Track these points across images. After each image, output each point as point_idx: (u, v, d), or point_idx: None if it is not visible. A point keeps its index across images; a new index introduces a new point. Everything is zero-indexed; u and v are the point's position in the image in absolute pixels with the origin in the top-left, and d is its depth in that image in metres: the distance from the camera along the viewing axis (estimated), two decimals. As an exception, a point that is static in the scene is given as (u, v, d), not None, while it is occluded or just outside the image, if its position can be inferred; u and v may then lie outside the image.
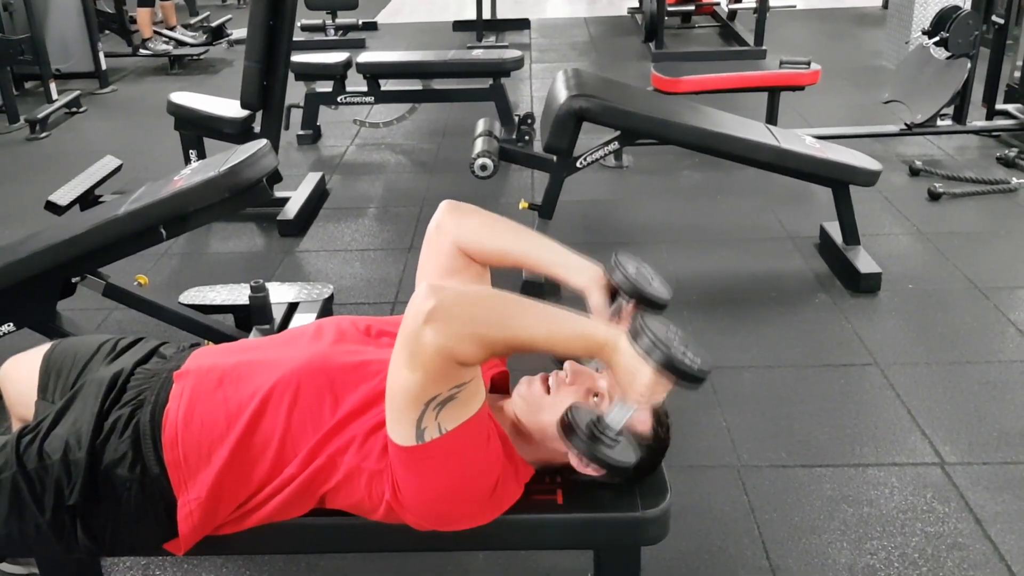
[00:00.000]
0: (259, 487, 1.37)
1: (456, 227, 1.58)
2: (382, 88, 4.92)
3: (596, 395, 1.42)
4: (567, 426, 1.29)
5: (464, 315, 1.20)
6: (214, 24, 7.39)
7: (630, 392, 1.25)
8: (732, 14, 7.38)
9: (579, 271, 1.49)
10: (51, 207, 3.29)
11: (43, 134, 5.23)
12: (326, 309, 2.88)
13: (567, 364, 1.45)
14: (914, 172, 4.17)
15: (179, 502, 1.36)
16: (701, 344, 1.26)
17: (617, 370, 1.24)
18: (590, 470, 1.41)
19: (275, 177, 2.49)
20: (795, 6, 7.64)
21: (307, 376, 1.40)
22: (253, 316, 2.64)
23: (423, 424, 1.24)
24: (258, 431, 1.36)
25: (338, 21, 7.57)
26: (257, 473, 1.36)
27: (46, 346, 1.70)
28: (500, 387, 1.57)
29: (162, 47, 6.90)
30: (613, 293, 1.47)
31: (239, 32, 6.51)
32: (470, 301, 1.24)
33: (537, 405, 1.42)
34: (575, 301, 1.43)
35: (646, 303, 1.43)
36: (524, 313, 1.24)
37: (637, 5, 7.75)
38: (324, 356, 1.44)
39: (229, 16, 7.73)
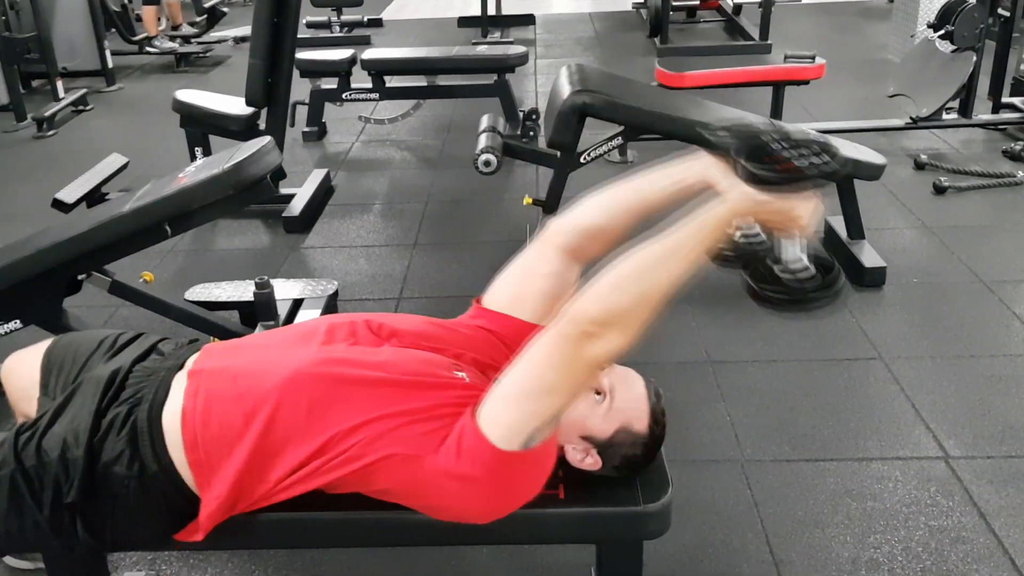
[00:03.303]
0: (277, 482, 1.37)
1: (564, 220, 1.59)
2: (387, 84, 4.91)
3: (598, 392, 1.43)
4: (758, 296, 1.29)
5: (617, 314, 1.21)
6: (207, 4, 7.35)
7: (790, 227, 1.23)
8: (737, 8, 7.36)
9: (686, 169, 1.45)
10: (58, 205, 3.30)
11: (50, 132, 5.25)
12: (331, 305, 2.89)
13: None
14: (919, 166, 4.16)
15: (202, 500, 1.37)
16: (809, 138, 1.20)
17: (765, 223, 1.24)
18: (586, 465, 1.42)
19: (279, 174, 2.49)
20: (800, 0, 7.61)
21: (323, 373, 1.39)
22: (258, 312, 2.65)
23: (538, 434, 1.29)
24: (276, 426, 1.35)
25: (343, 18, 7.57)
26: (276, 470, 1.36)
27: (47, 342, 1.70)
28: None
29: (168, 45, 6.91)
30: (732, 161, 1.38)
31: (244, 29, 6.52)
32: (612, 295, 1.23)
33: None
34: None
35: (749, 144, 1.32)
36: (655, 266, 1.23)
37: (642, 0, 7.74)
38: (339, 354, 1.44)
39: None
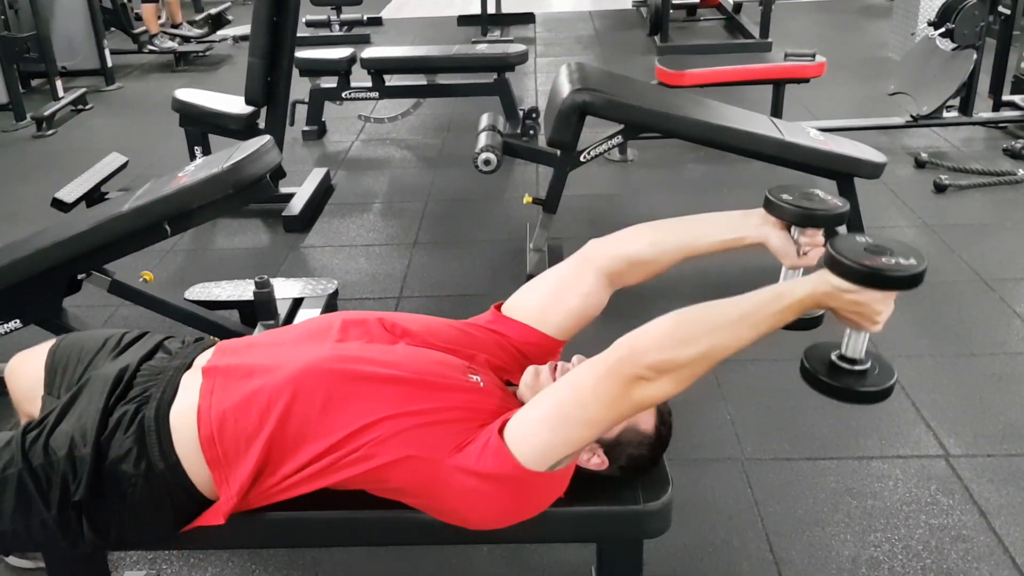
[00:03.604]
0: (293, 472, 1.37)
1: (608, 243, 1.59)
2: (387, 83, 4.91)
3: None
4: (815, 381, 1.31)
5: (677, 365, 1.22)
6: (213, 12, 7.37)
7: (863, 323, 1.23)
8: (737, 7, 7.35)
9: (742, 224, 1.47)
10: (57, 204, 3.30)
11: (49, 131, 5.25)
12: (331, 305, 2.89)
13: (576, 358, 1.45)
14: (920, 164, 4.16)
15: (221, 497, 1.38)
16: (895, 244, 1.22)
17: (840, 313, 1.24)
18: (592, 465, 1.42)
19: (279, 173, 2.49)
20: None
21: (338, 370, 1.39)
22: (258, 312, 2.65)
23: (566, 460, 1.31)
24: (290, 423, 1.36)
25: (343, 17, 7.56)
26: (289, 464, 1.36)
27: (52, 341, 1.70)
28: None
29: (167, 44, 6.91)
30: (788, 227, 1.44)
31: (243, 28, 6.52)
32: (675, 347, 1.22)
33: None
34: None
35: (822, 222, 1.38)
36: (725, 327, 1.23)
37: (642, -2, 7.74)
38: (355, 351, 1.44)
39: (227, 3, 7.72)
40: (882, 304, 1.21)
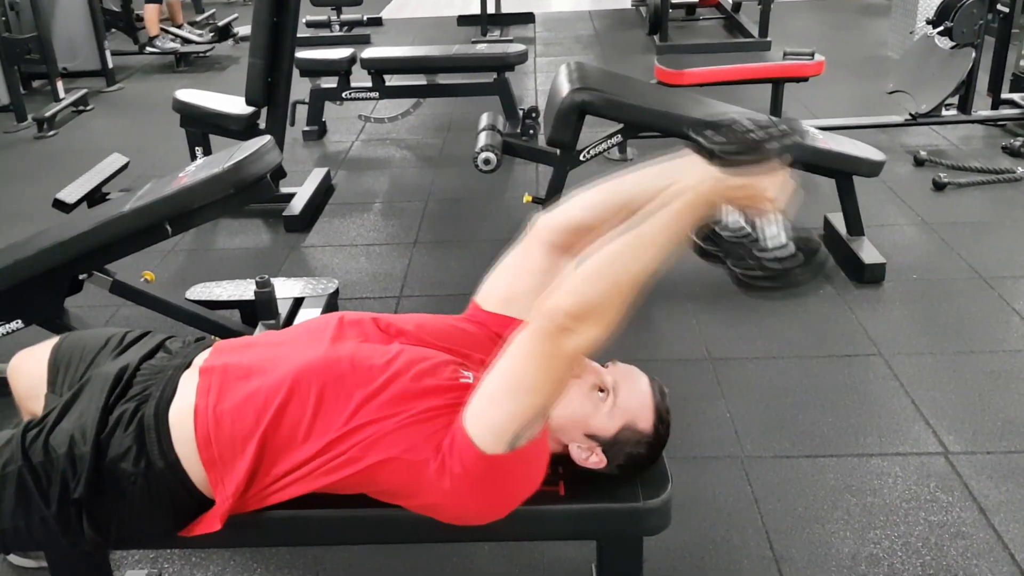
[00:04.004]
0: (285, 473, 1.37)
1: (552, 216, 1.59)
2: (387, 83, 4.92)
3: (602, 390, 1.43)
4: (744, 284, 1.28)
5: (590, 306, 1.21)
6: (220, 23, 7.41)
7: (760, 205, 1.21)
8: (736, 6, 7.36)
9: (674, 170, 1.39)
10: (59, 205, 3.30)
11: (50, 132, 5.26)
12: (331, 304, 2.90)
13: None
14: (919, 162, 4.16)
15: (217, 498, 1.38)
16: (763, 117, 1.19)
17: (734, 204, 1.22)
18: (591, 463, 1.43)
19: (279, 173, 2.50)
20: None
21: (332, 371, 1.40)
22: (259, 311, 2.66)
23: (524, 433, 1.28)
24: (283, 424, 1.36)
25: (343, 17, 7.57)
26: (283, 463, 1.37)
27: (54, 340, 1.71)
28: None
29: (169, 45, 6.92)
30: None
31: (244, 29, 6.53)
32: (584, 288, 1.22)
33: None
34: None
35: (712, 126, 1.29)
36: (624, 256, 1.22)
37: (641, -2, 7.75)
38: (350, 352, 1.44)
39: (235, 15, 7.75)
40: (766, 179, 1.19)
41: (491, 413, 1.29)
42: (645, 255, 1.22)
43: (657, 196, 1.36)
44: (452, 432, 1.32)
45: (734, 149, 1.16)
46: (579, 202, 1.57)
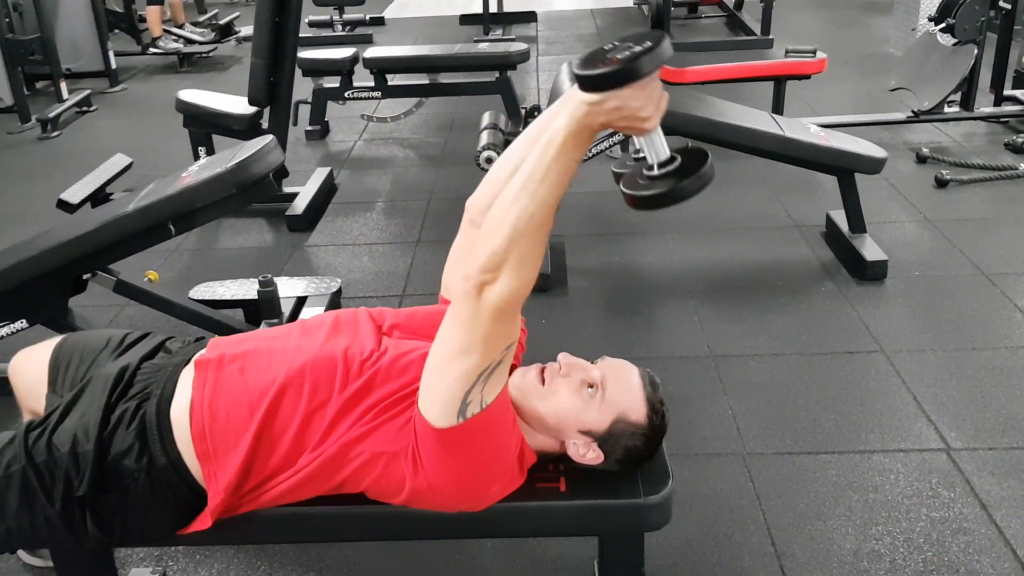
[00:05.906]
0: (276, 471, 1.39)
1: (475, 194, 1.61)
2: (389, 83, 4.92)
3: (591, 386, 1.43)
4: (632, 200, 1.27)
5: (500, 253, 1.21)
6: (222, 22, 7.43)
7: (639, 126, 1.20)
8: (739, 4, 7.36)
9: (555, 107, 1.39)
10: (63, 205, 3.31)
11: (54, 133, 5.27)
12: (334, 303, 2.91)
13: (561, 356, 1.47)
14: (921, 159, 4.16)
15: (209, 493, 1.39)
16: (634, 35, 1.19)
17: (612, 127, 1.21)
18: (588, 460, 1.43)
19: (282, 172, 2.51)
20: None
21: (323, 366, 1.41)
22: (262, 310, 2.67)
23: (469, 398, 1.27)
24: (277, 418, 1.38)
25: (345, 17, 7.58)
26: (275, 459, 1.38)
27: (56, 340, 1.72)
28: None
29: (172, 45, 6.93)
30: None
31: (247, 29, 6.54)
32: (490, 240, 1.22)
33: (532, 394, 1.45)
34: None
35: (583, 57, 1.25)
36: (518, 197, 1.22)
37: (644, -4, 7.75)
38: (342, 347, 1.46)
39: (237, 14, 7.77)
40: (639, 99, 1.17)
41: (434, 386, 1.30)
42: (540, 192, 1.21)
43: None
44: (413, 417, 1.34)
45: (597, 74, 1.15)
46: (493, 172, 1.60)
